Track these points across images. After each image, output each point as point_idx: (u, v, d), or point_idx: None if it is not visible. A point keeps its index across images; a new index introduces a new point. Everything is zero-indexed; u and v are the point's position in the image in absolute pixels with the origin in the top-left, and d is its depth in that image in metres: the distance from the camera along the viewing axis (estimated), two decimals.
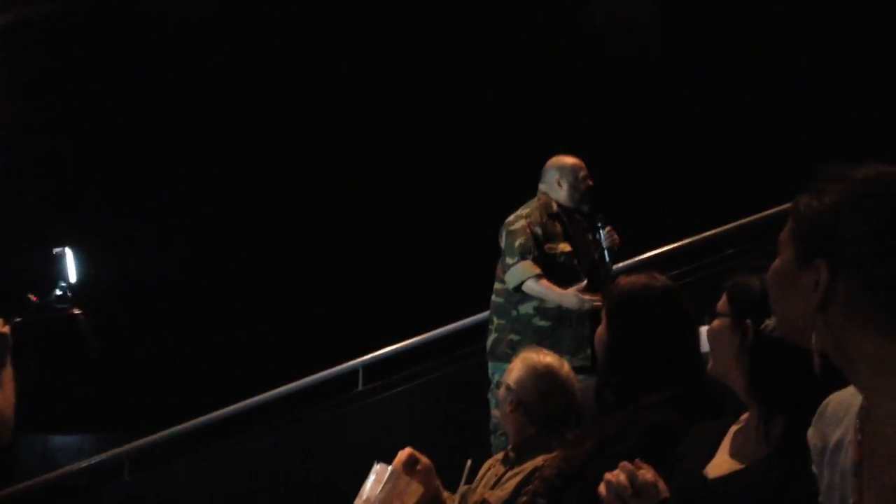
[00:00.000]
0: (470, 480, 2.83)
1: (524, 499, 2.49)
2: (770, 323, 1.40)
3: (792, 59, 7.75)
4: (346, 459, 4.90)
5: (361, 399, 5.81)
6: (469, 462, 2.74)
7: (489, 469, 2.90)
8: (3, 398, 2.77)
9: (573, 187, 4.41)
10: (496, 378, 4.20)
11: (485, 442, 4.20)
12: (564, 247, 4.31)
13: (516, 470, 2.74)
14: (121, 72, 7.91)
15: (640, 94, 8.00)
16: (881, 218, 1.24)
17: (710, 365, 1.99)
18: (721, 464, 1.85)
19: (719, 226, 6.17)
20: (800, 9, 7.70)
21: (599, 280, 4.28)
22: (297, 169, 8.19)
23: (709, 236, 6.15)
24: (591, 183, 4.44)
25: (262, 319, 8.03)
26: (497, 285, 4.41)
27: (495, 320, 4.40)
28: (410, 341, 5.89)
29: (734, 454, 1.85)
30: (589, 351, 4.15)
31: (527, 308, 4.26)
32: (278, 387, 5.91)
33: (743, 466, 1.80)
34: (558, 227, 4.34)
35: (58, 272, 3.00)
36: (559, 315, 4.20)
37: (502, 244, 4.35)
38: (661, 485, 1.67)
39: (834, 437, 1.34)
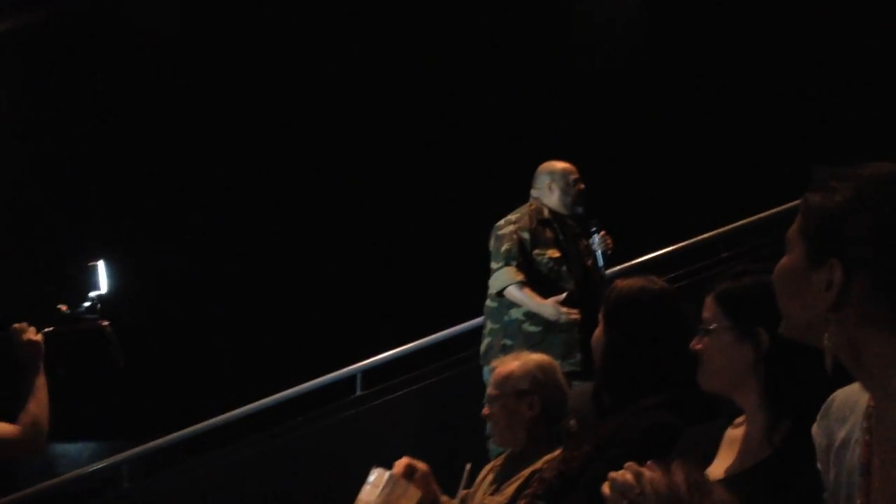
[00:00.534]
0: (469, 484, 2.83)
1: (523, 501, 2.50)
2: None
3: (788, 61, 7.77)
4: (344, 464, 4.89)
5: (360, 404, 5.81)
6: (469, 466, 2.74)
7: (488, 473, 2.90)
8: (37, 404, 2.82)
9: (564, 192, 4.42)
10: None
11: (484, 446, 4.21)
12: (553, 252, 4.31)
13: (517, 476, 2.73)
14: (133, 82, 7.95)
15: (637, 98, 8.01)
16: (894, 215, 1.23)
17: (705, 381, 1.90)
18: (721, 466, 1.83)
19: (714, 229, 6.18)
20: (789, 14, 7.72)
21: (591, 286, 4.30)
22: (295, 175, 8.19)
23: (704, 239, 6.16)
24: (582, 186, 4.45)
25: (260, 325, 8.03)
26: (490, 290, 4.43)
27: (488, 325, 4.42)
28: (409, 346, 5.89)
29: (734, 457, 1.83)
30: (579, 356, 4.17)
31: (517, 313, 4.29)
32: (276, 392, 5.91)
33: (744, 468, 1.78)
34: (548, 233, 4.36)
35: (90, 284, 3.04)
36: (548, 321, 4.22)
37: (491, 247, 4.37)
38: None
39: (840, 435, 1.33)
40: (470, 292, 4.74)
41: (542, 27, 8.11)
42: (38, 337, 2.90)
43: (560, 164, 4.49)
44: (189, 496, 5.63)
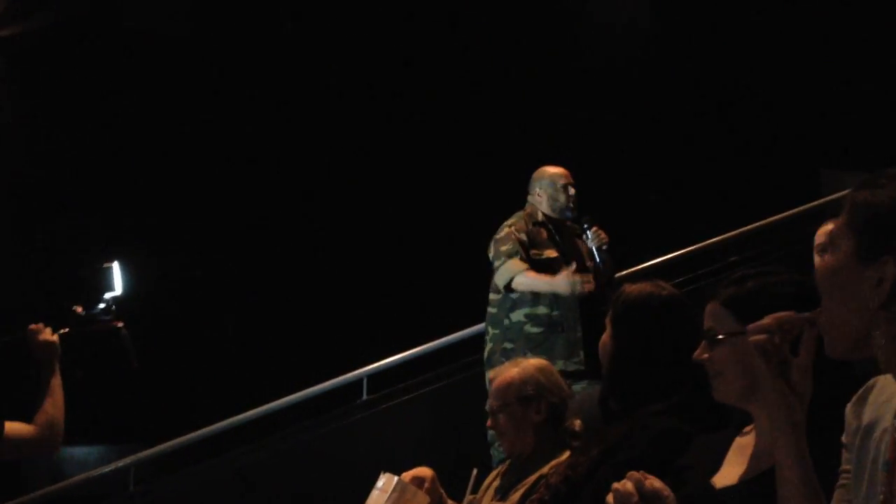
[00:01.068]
0: (476, 490, 2.83)
1: None
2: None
3: (798, 66, 7.75)
4: (351, 469, 4.90)
5: (366, 409, 5.81)
6: (475, 471, 2.73)
7: (495, 478, 2.90)
8: (53, 405, 2.85)
9: (552, 197, 4.45)
10: None
11: (489, 451, 4.21)
12: (551, 253, 4.34)
13: (524, 482, 2.72)
14: (138, 86, 7.98)
15: (650, 101, 8.01)
16: None
17: (721, 392, 1.83)
18: (729, 474, 1.82)
19: (722, 234, 6.16)
20: (801, 18, 7.71)
21: (595, 286, 4.29)
22: (299, 181, 8.20)
23: (712, 244, 6.14)
24: (573, 191, 4.46)
25: (266, 330, 8.03)
26: (491, 296, 4.44)
27: (490, 330, 4.44)
28: (414, 351, 5.90)
29: (742, 464, 1.81)
30: (582, 355, 4.18)
31: (518, 316, 4.29)
32: (283, 397, 5.91)
33: (752, 476, 1.76)
34: (544, 234, 4.39)
35: (105, 285, 3.06)
36: (550, 321, 4.23)
37: (491, 256, 4.39)
38: (668, 493, 1.63)
39: (866, 419, 1.33)
40: (476, 297, 4.74)
41: (545, 28, 8.12)
42: (54, 338, 2.92)
43: (550, 170, 4.51)
44: (195, 500, 5.63)
